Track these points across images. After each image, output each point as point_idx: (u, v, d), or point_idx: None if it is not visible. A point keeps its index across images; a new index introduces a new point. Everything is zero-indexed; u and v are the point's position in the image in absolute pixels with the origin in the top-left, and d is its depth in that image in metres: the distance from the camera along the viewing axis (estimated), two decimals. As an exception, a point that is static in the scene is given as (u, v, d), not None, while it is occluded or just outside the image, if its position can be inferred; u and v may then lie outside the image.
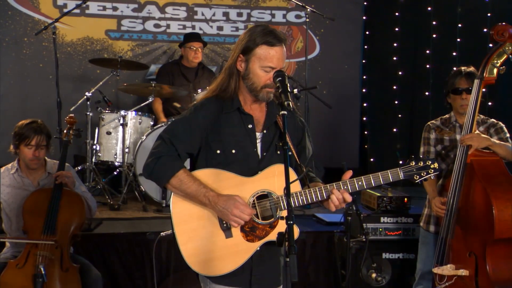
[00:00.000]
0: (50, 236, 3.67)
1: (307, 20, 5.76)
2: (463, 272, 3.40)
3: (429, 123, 4.01)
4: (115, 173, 5.63)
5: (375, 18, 7.23)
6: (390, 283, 4.44)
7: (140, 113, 5.66)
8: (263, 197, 2.57)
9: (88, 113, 5.54)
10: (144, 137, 5.33)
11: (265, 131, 2.64)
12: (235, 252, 2.54)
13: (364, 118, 7.28)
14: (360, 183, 2.55)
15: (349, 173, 2.56)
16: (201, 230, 2.54)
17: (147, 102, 5.64)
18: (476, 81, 3.59)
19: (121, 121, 5.49)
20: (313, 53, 7.02)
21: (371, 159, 7.27)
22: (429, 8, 7.07)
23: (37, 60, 6.64)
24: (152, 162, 2.59)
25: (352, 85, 7.05)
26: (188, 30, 6.89)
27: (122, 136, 5.48)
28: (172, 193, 2.60)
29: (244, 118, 2.63)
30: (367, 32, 7.19)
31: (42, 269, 3.55)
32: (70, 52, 6.73)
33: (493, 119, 3.88)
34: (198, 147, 2.61)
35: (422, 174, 2.60)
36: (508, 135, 3.82)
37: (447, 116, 3.97)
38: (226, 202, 2.48)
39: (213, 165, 2.58)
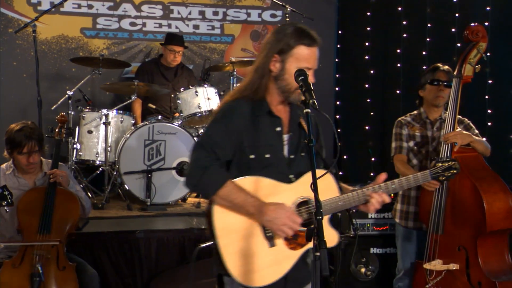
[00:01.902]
0: (45, 235, 3.67)
1: (287, 19, 5.84)
2: (453, 266, 3.55)
3: (400, 119, 4.11)
4: (97, 172, 5.60)
5: (347, 17, 7.36)
6: (377, 277, 4.57)
7: (121, 111, 5.64)
8: (302, 204, 2.54)
9: (70, 112, 5.50)
10: (128, 135, 5.32)
11: (290, 133, 2.62)
12: (279, 260, 2.50)
13: (338, 116, 7.41)
14: (393, 186, 2.62)
15: (383, 176, 2.60)
16: (245, 241, 2.46)
17: (130, 101, 5.63)
18: (455, 80, 3.75)
19: (103, 120, 5.48)
20: (288, 52, 7.11)
21: (344, 156, 7.41)
22: (399, 8, 7.23)
23: (11, 58, 6.54)
24: (198, 173, 2.46)
25: (326, 83, 7.16)
26: (165, 29, 6.90)
27: (105, 135, 5.46)
28: (214, 205, 2.48)
29: (273, 120, 2.58)
30: (340, 32, 7.32)
31: (39, 268, 3.54)
32: (45, 50, 6.65)
33: (459, 116, 4.00)
34: (234, 152, 2.54)
35: (446, 174, 2.77)
36: (477, 131, 4.00)
37: (416, 112, 4.09)
38: (275, 212, 2.42)
39: (245, 170, 2.52)
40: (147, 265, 4.53)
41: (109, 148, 5.47)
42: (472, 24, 3.77)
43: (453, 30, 7.05)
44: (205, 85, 5.68)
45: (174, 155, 5.35)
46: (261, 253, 2.47)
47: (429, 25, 7.19)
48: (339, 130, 7.43)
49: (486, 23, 6.97)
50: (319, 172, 2.35)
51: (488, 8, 7.09)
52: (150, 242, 4.55)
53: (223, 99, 2.70)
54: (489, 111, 7.07)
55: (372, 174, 6.73)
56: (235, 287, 2.51)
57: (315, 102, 2.37)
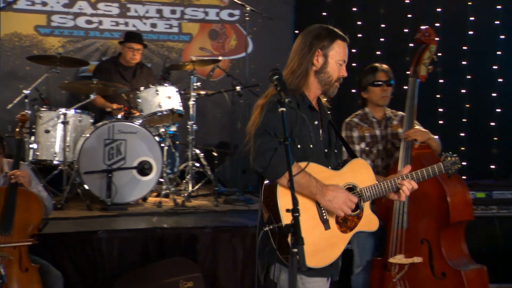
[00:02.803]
0: (6, 236, 3.60)
1: (247, 19, 5.88)
2: (417, 259, 3.67)
3: (348, 120, 4.14)
4: (55, 172, 5.51)
5: (304, 17, 7.45)
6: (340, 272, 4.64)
7: (79, 111, 5.57)
8: (348, 190, 2.70)
9: (27, 111, 5.39)
10: (88, 135, 5.26)
11: (323, 128, 2.80)
12: (333, 243, 2.65)
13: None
14: (416, 176, 2.83)
15: (408, 167, 2.83)
16: (306, 222, 2.54)
17: (89, 99, 5.56)
18: (412, 80, 3.88)
19: (61, 119, 5.39)
20: (246, 51, 7.16)
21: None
22: (354, 9, 7.38)
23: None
24: (268, 154, 2.54)
25: (285, 82, 7.24)
26: (122, 27, 6.84)
27: (63, 134, 5.38)
28: (279, 186, 2.56)
29: (313, 114, 2.77)
30: (297, 31, 7.41)
31: (1, 270, 3.48)
32: (-3, 48, 6.51)
33: (401, 112, 4.13)
34: None
35: (454, 168, 2.96)
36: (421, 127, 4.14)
37: (361, 112, 4.17)
38: (336, 192, 2.58)
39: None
40: (110, 266, 4.48)
41: (67, 148, 5.39)
42: (423, 27, 3.90)
43: (406, 30, 7.25)
44: (166, 84, 5.66)
45: (135, 155, 5.32)
46: (319, 235, 2.60)
47: (382, 25, 7.36)
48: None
49: (437, 24, 7.20)
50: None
51: (438, 10, 7.33)
52: (112, 242, 4.51)
53: (266, 93, 2.82)
54: (440, 110, 7.30)
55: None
56: (282, 274, 2.62)
57: (291, 101, 2.43)
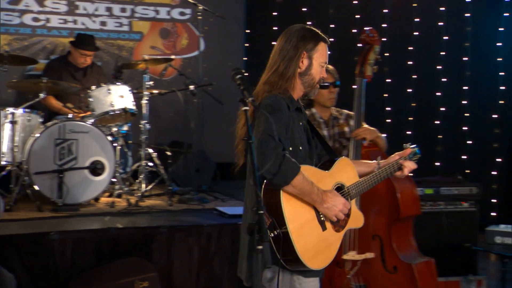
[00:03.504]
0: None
1: (200, 18, 5.88)
2: (369, 255, 3.77)
3: None
4: (4, 173, 5.38)
5: (255, 16, 7.51)
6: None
7: (28, 110, 5.45)
8: (337, 189, 2.82)
9: (-28, 110, 5.24)
10: (38, 134, 5.15)
11: (305, 128, 2.91)
12: (330, 243, 2.74)
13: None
14: (386, 171, 3.00)
15: (409, 150, 3.01)
16: (307, 225, 2.64)
17: (38, 99, 5.44)
18: (359, 79, 3.98)
19: (10, 119, 5.26)
20: (198, 50, 7.16)
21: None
22: (304, 9, 7.48)
23: None
24: (277, 160, 2.54)
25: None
26: (70, 25, 6.73)
27: (12, 134, 5.25)
28: (282, 192, 2.59)
29: (300, 115, 2.84)
30: (247, 31, 7.46)
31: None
32: None
33: (346, 110, 4.24)
34: None
35: (415, 159, 3.05)
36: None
37: (308, 113, 4.21)
38: (333, 200, 2.67)
39: None
40: (63, 267, 4.41)
41: (16, 148, 5.27)
42: (367, 28, 3.99)
43: (354, 30, 7.39)
44: (118, 83, 5.60)
45: (87, 154, 5.25)
46: (318, 237, 2.67)
47: (332, 25, 7.49)
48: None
49: (384, 25, 7.38)
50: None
51: (385, 11, 7.51)
52: (65, 243, 4.44)
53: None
54: (387, 109, 7.49)
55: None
56: (285, 276, 2.66)
57: (254, 100, 2.47)
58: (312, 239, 2.63)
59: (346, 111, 4.24)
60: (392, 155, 3.07)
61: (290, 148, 2.70)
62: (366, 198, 3.77)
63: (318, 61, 2.81)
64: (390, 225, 3.79)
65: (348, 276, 3.75)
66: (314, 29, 2.87)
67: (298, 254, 2.56)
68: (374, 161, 3.08)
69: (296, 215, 2.60)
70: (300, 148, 2.77)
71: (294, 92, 2.83)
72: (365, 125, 4.01)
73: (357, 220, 2.90)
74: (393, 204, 3.78)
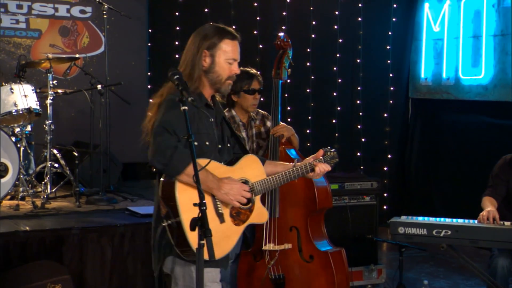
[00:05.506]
0: None
1: (105, 16, 5.80)
2: (287, 246, 3.95)
3: None
4: None
5: (157, 16, 7.48)
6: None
7: None
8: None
9: None
10: None
11: (217, 125, 2.92)
12: (227, 236, 2.81)
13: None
14: (301, 170, 3.10)
15: (321, 152, 3.13)
16: None
17: None
18: (275, 81, 4.21)
19: None
20: (100, 49, 7.04)
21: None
22: (206, 10, 7.55)
23: None
24: (167, 152, 2.63)
25: (139, 81, 7.22)
26: (-38, 21, 6.38)
27: None
28: (177, 182, 2.66)
29: (209, 112, 2.89)
30: (150, 30, 7.42)
31: None
32: None
33: (262, 111, 4.43)
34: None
35: (333, 162, 3.20)
36: None
37: (227, 114, 4.29)
38: (231, 185, 2.75)
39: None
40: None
41: None
42: (281, 34, 4.30)
43: (255, 32, 7.59)
44: (21, 82, 5.41)
45: (-12, 156, 5.04)
46: (216, 228, 2.67)
47: (234, 26, 7.58)
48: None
49: (284, 27, 7.63)
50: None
51: (284, 13, 7.77)
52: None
53: (161, 92, 2.91)
54: (288, 108, 7.75)
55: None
56: (177, 266, 2.73)
57: (194, 99, 2.53)
58: None
59: (262, 112, 4.39)
60: (308, 158, 3.20)
61: (196, 143, 2.72)
62: (285, 191, 3.96)
63: (222, 58, 2.86)
64: (307, 217, 4.00)
65: (268, 266, 3.92)
66: (220, 26, 2.94)
67: (190, 244, 2.62)
68: (292, 163, 3.19)
69: (191, 206, 2.60)
70: (207, 143, 2.84)
71: (205, 89, 2.92)
72: (282, 123, 4.20)
73: (260, 216, 2.96)
74: (311, 196, 3.98)
